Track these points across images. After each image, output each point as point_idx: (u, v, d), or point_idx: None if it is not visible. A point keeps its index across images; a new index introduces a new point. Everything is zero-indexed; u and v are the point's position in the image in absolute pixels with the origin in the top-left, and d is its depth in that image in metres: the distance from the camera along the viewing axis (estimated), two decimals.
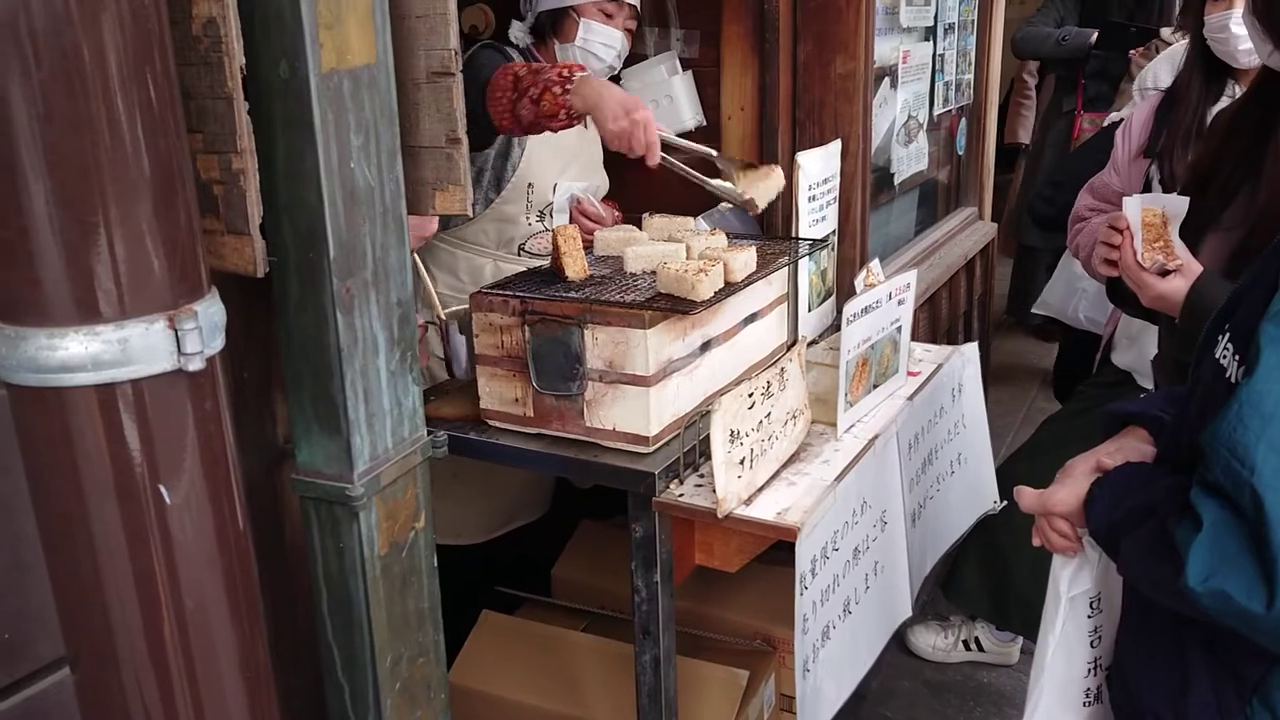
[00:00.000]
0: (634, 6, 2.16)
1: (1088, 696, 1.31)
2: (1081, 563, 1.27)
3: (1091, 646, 1.30)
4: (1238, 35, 2.00)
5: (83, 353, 0.75)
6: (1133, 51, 3.69)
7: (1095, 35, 4.18)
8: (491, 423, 1.82)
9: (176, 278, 0.79)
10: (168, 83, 0.79)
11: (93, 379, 0.76)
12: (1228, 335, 1.05)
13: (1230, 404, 0.95)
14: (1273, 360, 0.93)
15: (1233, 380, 1.01)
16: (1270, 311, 0.95)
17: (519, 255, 2.26)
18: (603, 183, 2.37)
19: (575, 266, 1.79)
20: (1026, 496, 1.28)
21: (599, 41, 2.11)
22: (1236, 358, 1.02)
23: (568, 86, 1.75)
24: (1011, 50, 4.16)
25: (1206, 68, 2.12)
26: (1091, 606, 1.29)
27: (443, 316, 1.91)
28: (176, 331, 0.78)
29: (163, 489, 0.80)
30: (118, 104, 0.75)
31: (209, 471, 0.82)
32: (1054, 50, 4.39)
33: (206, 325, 0.80)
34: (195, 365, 0.79)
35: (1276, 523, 0.88)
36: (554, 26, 2.17)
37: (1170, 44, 3.34)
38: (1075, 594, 1.27)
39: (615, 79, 2.32)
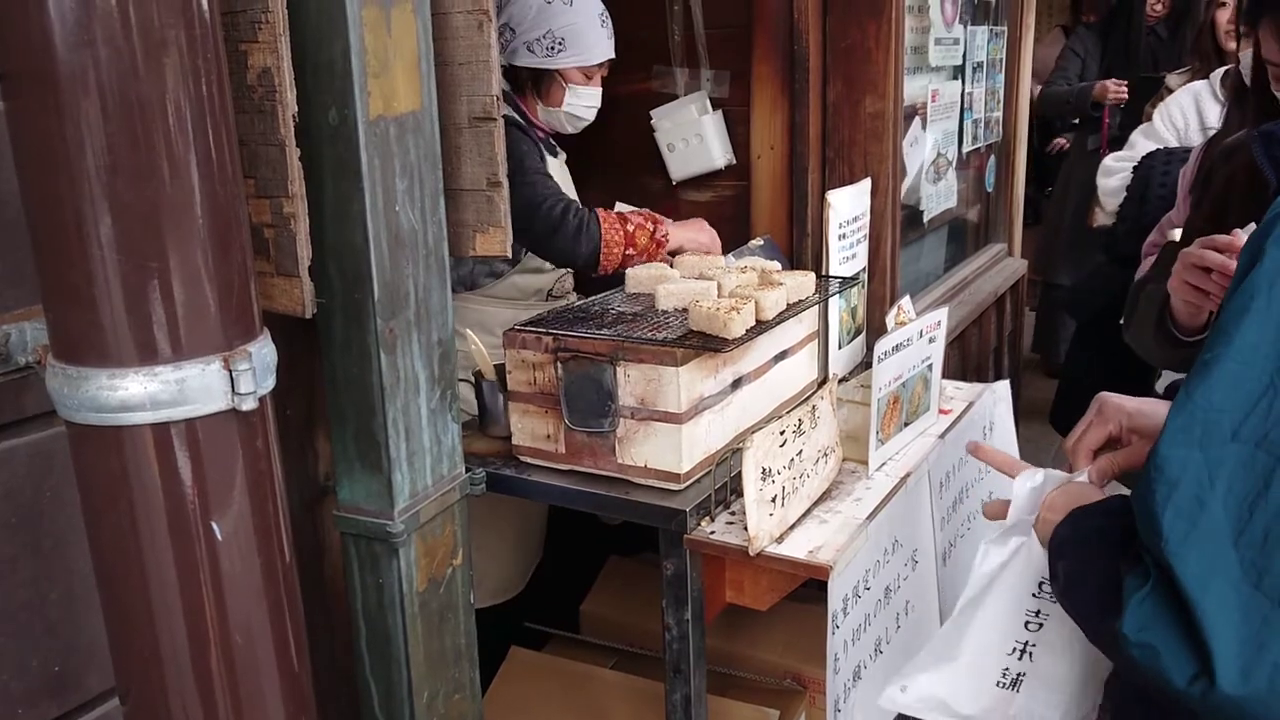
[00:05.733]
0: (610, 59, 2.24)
1: (1004, 677, 1.25)
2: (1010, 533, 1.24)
3: (1026, 628, 1.24)
4: None
5: (142, 393, 0.77)
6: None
7: (1098, 87, 4.38)
8: (523, 459, 1.83)
9: (232, 320, 0.81)
10: (227, 132, 0.82)
11: (150, 418, 0.78)
12: None
13: (1145, 468, 0.93)
14: (1175, 424, 0.91)
15: None
16: (1188, 378, 0.93)
17: (547, 300, 2.34)
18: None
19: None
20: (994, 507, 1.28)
21: (583, 105, 2.21)
22: None
23: (663, 243, 2.17)
24: (1036, 109, 4.33)
25: (1242, 101, 2.17)
26: (1040, 587, 1.24)
27: (490, 376, 1.94)
28: (231, 372, 0.80)
29: (214, 525, 0.82)
30: (180, 154, 0.78)
31: (258, 508, 0.84)
32: (1070, 112, 4.66)
33: (259, 366, 0.82)
34: (248, 405, 0.81)
35: (1190, 593, 0.85)
36: (536, 84, 2.23)
37: (1174, 89, 3.36)
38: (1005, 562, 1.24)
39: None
